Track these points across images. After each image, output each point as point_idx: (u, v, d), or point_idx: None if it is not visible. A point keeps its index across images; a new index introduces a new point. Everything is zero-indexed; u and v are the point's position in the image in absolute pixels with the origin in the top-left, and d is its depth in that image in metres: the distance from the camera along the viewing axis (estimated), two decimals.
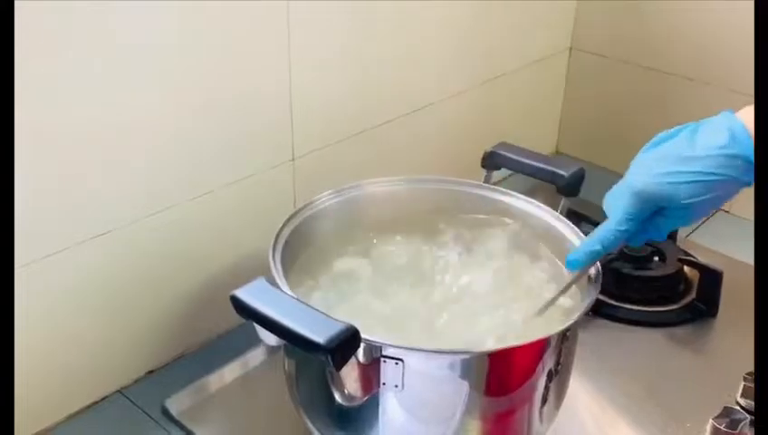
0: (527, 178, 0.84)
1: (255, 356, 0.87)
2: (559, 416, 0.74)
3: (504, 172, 0.88)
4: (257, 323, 0.58)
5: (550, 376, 0.66)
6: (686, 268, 1.01)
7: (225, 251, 0.88)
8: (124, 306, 0.81)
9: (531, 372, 0.64)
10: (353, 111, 0.95)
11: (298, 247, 0.72)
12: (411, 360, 0.60)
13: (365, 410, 0.65)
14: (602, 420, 0.83)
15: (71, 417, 0.81)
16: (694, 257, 1.01)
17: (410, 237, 0.77)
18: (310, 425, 0.71)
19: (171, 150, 0.78)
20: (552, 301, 0.69)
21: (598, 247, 0.65)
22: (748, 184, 0.60)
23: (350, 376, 0.61)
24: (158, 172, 0.78)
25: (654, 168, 0.61)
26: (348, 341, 0.55)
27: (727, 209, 1.20)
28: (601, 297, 0.97)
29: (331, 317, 0.56)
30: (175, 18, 0.73)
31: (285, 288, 0.63)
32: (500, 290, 0.71)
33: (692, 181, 0.60)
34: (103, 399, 0.83)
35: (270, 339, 0.61)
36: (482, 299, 0.70)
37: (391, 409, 0.63)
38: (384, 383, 0.61)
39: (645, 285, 0.98)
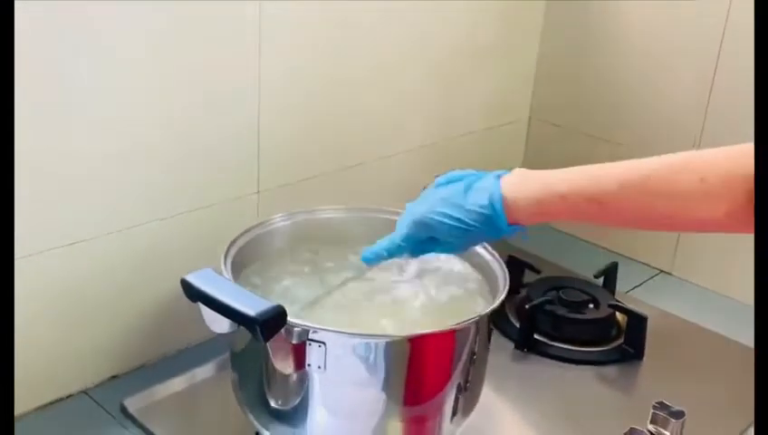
0: None
1: (208, 369, 1.01)
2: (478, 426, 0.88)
3: None
4: (201, 302, 0.72)
5: (464, 369, 0.80)
6: (618, 315, 1.15)
7: (188, 271, 1.01)
8: (91, 315, 0.95)
9: (444, 360, 0.78)
10: (316, 154, 1.11)
11: (248, 256, 0.87)
12: (332, 343, 0.73)
13: (294, 397, 0.78)
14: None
15: (37, 409, 0.93)
16: (622, 304, 1.14)
17: (348, 256, 0.92)
18: (253, 419, 0.84)
19: (145, 174, 0.93)
20: (342, 284, 0.88)
21: (384, 253, 0.84)
22: (496, 237, 0.79)
23: (280, 357, 0.74)
24: (130, 192, 0.93)
25: (433, 205, 0.79)
26: (276, 317, 0.69)
27: (669, 271, 1.34)
28: (537, 336, 1.11)
29: (264, 298, 0.71)
30: (153, 53, 0.90)
31: (228, 275, 0.77)
32: (415, 297, 0.87)
33: (454, 225, 0.78)
34: (68, 396, 0.96)
35: (216, 325, 0.74)
36: (402, 303, 0.85)
37: (317, 389, 0.76)
38: (309, 365, 0.75)
39: (578, 327, 1.12)
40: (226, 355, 0.88)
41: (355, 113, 1.15)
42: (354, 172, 1.17)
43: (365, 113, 1.16)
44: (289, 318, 0.71)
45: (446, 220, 0.78)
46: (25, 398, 0.92)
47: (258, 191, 1.05)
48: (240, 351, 0.84)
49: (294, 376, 0.77)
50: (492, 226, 0.77)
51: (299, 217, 0.94)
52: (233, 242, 0.85)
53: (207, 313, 0.73)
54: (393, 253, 0.83)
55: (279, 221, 0.92)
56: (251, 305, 0.69)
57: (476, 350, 0.82)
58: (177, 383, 0.98)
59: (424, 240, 0.82)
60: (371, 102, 1.16)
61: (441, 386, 0.80)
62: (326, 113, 1.10)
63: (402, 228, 0.82)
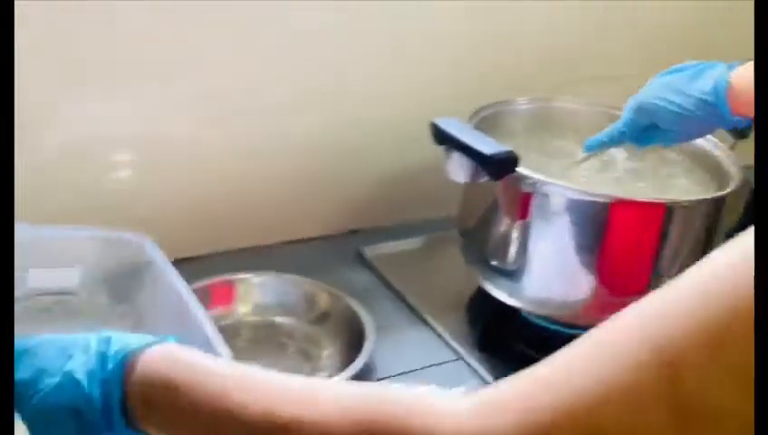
0: None
1: (440, 236, 1.12)
2: None
3: None
4: (446, 144, 0.83)
5: (672, 254, 0.85)
6: None
7: None
8: (342, 169, 1.10)
9: (650, 235, 0.84)
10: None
11: (487, 128, 0.96)
12: (555, 197, 0.82)
13: (514, 251, 0.87)
14: None
15: (296, 241, 1.10)
16: None
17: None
18: (477, 273, 0.94)
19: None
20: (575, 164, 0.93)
21: (604, 139, 0.88)
22: (720, 126, 0.79)
23: (507, 204, 0.84)
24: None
25: (656, 90, 0.81)
26: (508, 159, 0.79)
27: None
28: None
29: (501, 144, 0.80)
30: None
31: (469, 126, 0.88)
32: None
33: (674, 111, 0.79)
34: (311, 239, 1.12)
35: (456, 173, 0.85)
36: (626, 179, 0.92)
37: (534, 243, 0.85)
38: (531, 215, 0.83)
39: None
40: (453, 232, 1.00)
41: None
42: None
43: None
44: (518, 168, 0.80)
45: (666, 105, 0.79)
46: (271, 233, 1.08)
47: None
48: (468, 215, 0.95)
49: (515, 231, 0.86)
50: (714, 114, 0.76)
51: (539, 103, 1.02)
52: (478, 111, 0.95)
53: (451, 158, 0.84)
54: (614, 140, 0.87)
55: (521, 104, 1.01)
56: (488, 146, 0.79)
57: (692, 241, 0.85)
58: (411, 243, 1.12)
59: (645, 127, 0.84)
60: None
61: (643, 262, 0.85)
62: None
63: (625, 114, 0.84)
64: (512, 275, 0.89)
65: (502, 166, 0.79)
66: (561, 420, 0.33)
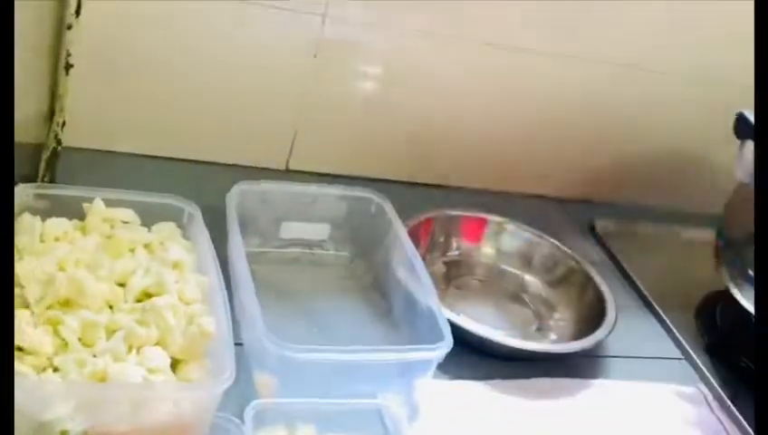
0: None
1: (679, 227, 1.10)
2: None
3: None
4: (751, 138, 0.79)
5: None
6: None
7: None
8: (571, 135, 1.07)
9: None
10: None
11: None
12: None
13: None
14: None
15: (529, 195, 1.09)
16: None
17: None
18: (729, 278, 0.90)
19: None
20: None
21: None
22: None
23: None
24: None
25: None
26: None
27: None
28: None
29: None
30: None
31: None
32: None
33: None
34: (544, 196, 1.11)
35: (745, 172, 0.82)
36: None
37: None
38: None
39: None
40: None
41: None
42: None
43: None
44: None
45: None
46: (504, 181, 1.08)
47: None
48: (735, 215, 0.91)
49: None
50: None
51: None
52: None
53: (748, 154, 0.80)
54: None
55: None
56: None
57: None
58: (645, 226, 1.08)
59: None
60: None
61: None
62: None
63: None
64: None
65: None
66: None
